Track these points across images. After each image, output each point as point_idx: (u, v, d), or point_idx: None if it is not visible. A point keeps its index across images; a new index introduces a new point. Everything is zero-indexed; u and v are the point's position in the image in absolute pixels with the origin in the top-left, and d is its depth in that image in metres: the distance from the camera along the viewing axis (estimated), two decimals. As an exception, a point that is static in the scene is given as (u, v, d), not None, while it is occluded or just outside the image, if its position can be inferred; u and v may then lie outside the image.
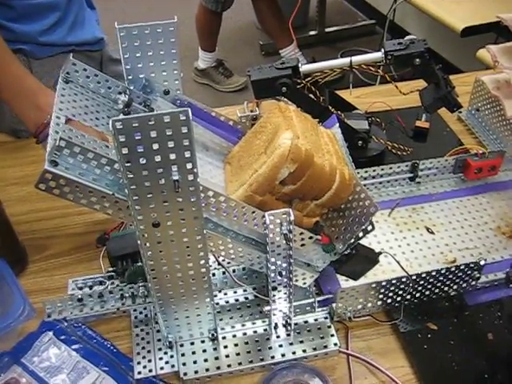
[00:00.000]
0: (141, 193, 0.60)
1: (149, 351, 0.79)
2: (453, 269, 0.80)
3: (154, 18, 0.76)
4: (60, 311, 0.82)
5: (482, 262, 0.81)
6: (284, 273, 0.73)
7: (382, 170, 0.97)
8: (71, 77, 0.70)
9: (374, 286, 0.79)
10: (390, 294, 0.81)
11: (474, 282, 0.84)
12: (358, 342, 0.81)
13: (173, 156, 0.58)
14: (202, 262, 0.69)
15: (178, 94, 0.78)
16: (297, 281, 0.77)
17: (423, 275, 0.80)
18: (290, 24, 2.05)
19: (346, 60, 0.94)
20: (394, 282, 0.79)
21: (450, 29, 1.86)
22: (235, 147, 0.81)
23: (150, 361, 0.78)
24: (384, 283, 0.79)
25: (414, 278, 0.80)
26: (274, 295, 0.76)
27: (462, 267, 0.81)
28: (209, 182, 0.77)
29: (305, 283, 0.78)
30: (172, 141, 0.56)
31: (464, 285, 0.84)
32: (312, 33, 3.16)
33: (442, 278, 0.81)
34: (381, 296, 0.81)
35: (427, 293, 0.83)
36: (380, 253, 0.78)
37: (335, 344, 0.79)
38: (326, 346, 0.79)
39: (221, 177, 0.80)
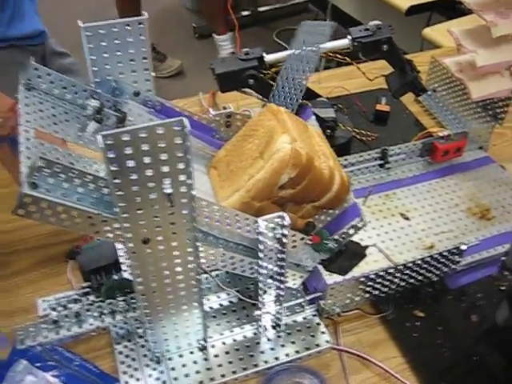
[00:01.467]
0: (131, 210, 0.55)
1: (136, 369, 0.75)
2: (436, 255, 0.81)
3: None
4: (34, 336, 0.76)
5: (464, 247, 0.82)
6: (276, 276, 0.71)
7: (354, 158, 0.96)
8: (33, 83, 0.64)
9: (361, 279, 0.78)
10: (378, 286, 0.81)
11: (454, 266, 0.85)
12: (348, 337, 0.80)
13: (166, 169, 0.53)
14: (192, 273, 0.65)
15: (149, 95, 0.72)
16: (287, 282, 0.75)
17: (409, 264, 0.80)
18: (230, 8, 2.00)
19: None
20: (381, 273, 0.79)
21: (395, 8, 1.87)
22: (220, 151, 0.77)
23: (138, 379, 0.74)
24: (372, 276, 0.78)
25: (400, 267, 0.80)
26: (263, 298, 0.74)
27: (444, 253, 0.81)
28: (199, 190, 0.72)
29: (295, 284, 0.76)
30: (165, 153, 0.52)
31: (445, 269, 0.84)
32: (244, 13, 3.10)
33: (425, 266, 0.82)
34: (368, 289, 0.80)
35: (411, 281, 0.83)
36: (367, 246, 0.77)
37: (327, 341, 0.78)
38: (318, 345, 0.78)
39: (208, 184, 0.76)
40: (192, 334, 0.74)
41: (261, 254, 0.66)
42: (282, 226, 0.64)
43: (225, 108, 0.79)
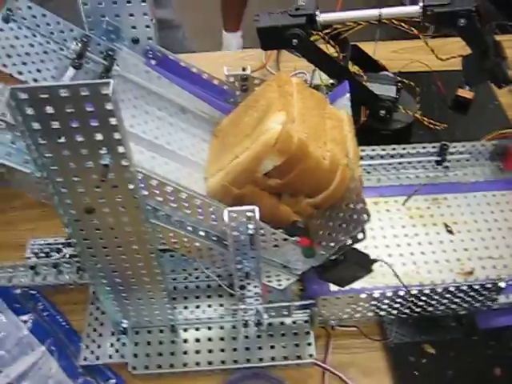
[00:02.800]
0: (65, 175, 0.48)
1: (100, 335, 0.71)
2: (464, 287, 0.66)
3: None
4: (10, 278, 0.73)
5: (503, 285, 0.67)
6: (253, 273, 0.61)
7: (404, 149, 0.81)
8: (14, 15, 0.57)
9: (363, 296, 0.66)
10: (384, 307, 0.68)
11: (489, 303, 0.70)
12: (340, 355, 0.70)
13: (99, 136, 0.45)
14: (151, 254, 0.58)
15: (150, 44, 0.64)
16: (270, 282, 0.65)
17: (426, 291, 0.66)
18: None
19: (375, 12, 0.77)
20: (388, 294, 0.66)
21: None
22: (225, 119, 0.67)
23: (99, 346, 0.70)
24: (377, 295, 0.66)
25: (415, 292, 0.67)
26: (242, 294, 0.65)
27: (475, 286, 0.67)
28: (184, 158, 0.64)
29: (280, 285, 0.66)
30: (95, 119, 0.44)
31: (477, 305, 0.70)
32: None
33: (449, 296, 0.68)
34: (372, 308, 0.68)
35: (430, 309, 0.70)
36: (375, 260, 0.64)
37: (310, 355, 0.68)
38: (299, 356, 0.68)
39: (204, 153, 0.67)
40: (162, 311, 0.68)
41: (230, 248, 0.57)
42: (250, 221, 0.54)
43: (244, 69, 0.68)
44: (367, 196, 0.80)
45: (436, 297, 0.67)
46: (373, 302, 0.67)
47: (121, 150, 0.46)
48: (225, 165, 0.59)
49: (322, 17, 0.78)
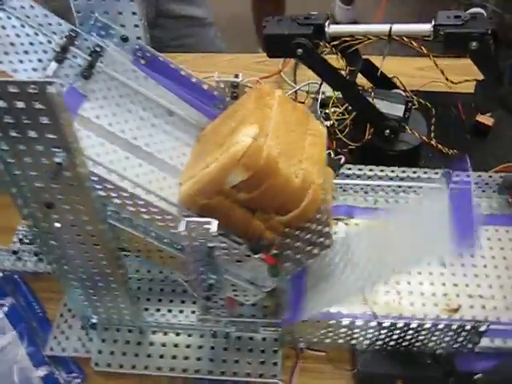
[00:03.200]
0: (22, 169, 0.48)
1: (70, 327, 0.71)
2: (440, 326, 0.63)
3: None
4: (-8, 260, 0.75)
5: (483, 328, 0.63)
6: (217, 285, 0.60)
7: (403, 172, 0.78)
8: (4, 4, 0.58)
9: (331, 322, 0.64)
10: (356, 336, 0.66)
11: (470, 346, 0.66)
12: (307, 378, 0.68)
13: (51, 135, 0.45)
14: (116, 255, 0.57)
15: (140, 43, 0.63)
16: (237, 296, 0.63)
17: (399, 325, 0.63)
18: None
19: (385, 27, 0.73)
20: (358, 323, 0.64)
21: None
22: (209, 125, 0.66)
23: (67, 338, 0.70)
24: (346, 322, 0.63)
25: (387, 324, 0.64)
26: (207, 304, 0.63)
27: (453, 327, 0.63)
28: (161, 161, 0.63)
29: (247, 300, 0.64)
30: (45, 116, 0.44)
31: (456, 346, 0.66)
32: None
33: (425, 333, 0.64)
34: (342, 335, 0.65)
35: (405, 344, 0.66)
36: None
37: (274, 375, 0.66)
38: (262, 375, 0.66)
39: (185, 158, 0.66)
40: (128, 312, 0.67)
41: (189, 258, 0.56)
42: (207, 235, 0.52)
43: (236, 76, 0.67)
44: (362, 216, 0.78)
45: (410, 332, 0.64)
46: (343, 330, 0.64)
47: (73, 149, 0.46)
48: (196, 173, 0.58)
49: (331, 28, 0.75)
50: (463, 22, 0.69)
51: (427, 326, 0.63)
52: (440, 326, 0.63)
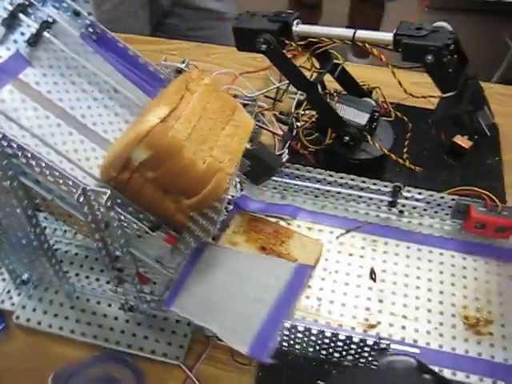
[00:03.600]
0: None
1: (4, 279, 0.75)
2: (342, 337, 0.62)
3: None
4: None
5: (383, 345, 0.61)
6: (124, 258, 0.62)
7: (352, 180, 0.76)
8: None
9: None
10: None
11: (375, 362, 0.64)
12: (211, 367, 0.68)
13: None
14: (30, 214, 0.60)
15: (91, 19, 0.66)
16: (146, 272, 0.65)
17: (299, 327, 0.63)
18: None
19: (349, 32, 0.73)
20: (260, 319, 0.63)
21: None
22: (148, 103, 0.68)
23: (4, 280, 0.74)
24: (248, 316, 0.64)
25: (288, 326, 0.63)
26: (121, 278, 0.65)
27: (355, 339, 0.62)
28: (93, 133, 0.66)
29: (156, 278, 0.66)
30: None
31: (362, 360, 0.64)
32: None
33: (327, 342, 0.63)
34: (246, 328, 0.66)
35: (310, 349, 0.66)
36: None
37: (177, 357, 0.67)
38: (165, 355, 0.68)
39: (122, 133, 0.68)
40: (52, 274, 0.70)
41: (90, 227, 0.58)
42: (105, 206, 0.54)
43: (184, 62, 0.68)
44: (305, 218, 0.78)
45: (313, 338, 0.63)
46: (246, 323, 0.65)
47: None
48: (113, 146, 0.60)
49: (299, 27, 0.76)
50: (423, 35, 0.67)
51: (327, 334, 0.62)
52: (341, 337, 0.62)
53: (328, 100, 0.80)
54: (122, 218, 0.57)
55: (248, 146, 0.66)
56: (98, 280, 0.74)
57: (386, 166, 0.84)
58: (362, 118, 0.79)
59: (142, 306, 0.69)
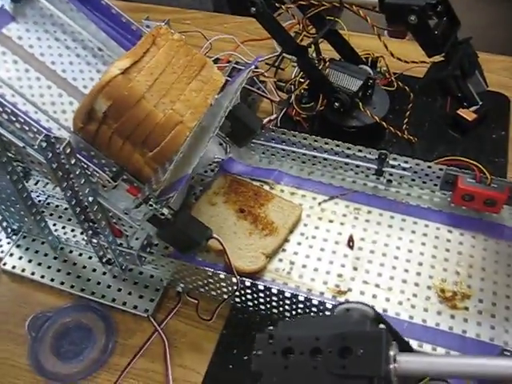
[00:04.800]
0: None
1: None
2: (274, 290, 0.61)
3: None
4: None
5: (314, 301, 0.60)
6: (93, 208, 0.63)
7: (337, 146, 0.74)
8: None
9: (195, 269, 0.64)
10: (224, 290, 0.66)
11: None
12: (180, 322, 0.69)
13: None
14: (6, 165, 0.63)
15: (75, -24, 0.68)
16: (116, 224, 0.66)
17: (273, 290, 0.62)
18: None
19: (337, -6, 0.71)
20: (220, 276, 0.63)
21: None
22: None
23: (-6, 235, 0.78)
24: (208, 272, 0.63)
25: (248, 284, 0.63)
26: (95, 229, 0.67)
27: (314, 302, 0.60)
28: (62, 80, 0.67)
29: (126, 231, 0.67)
30: None
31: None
32: None
33: (288, 303, 0.63)
34: (212, 286, 0.66)
35: (275, 310, 0.65)
36: (211, 235, 0.62)
37: (146, 310, 0.69)
38: (135, 307, 0.69)
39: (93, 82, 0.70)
40: (32, 224, 0.73)
41: (55, 175, 0.60)
42: (64, 152, 0.56)
43: (165, 22, 0.68)
44: (288, 184, 0.77)
45: (274, 298, 0.63)
46: (210, 280, 0.65)
47: None
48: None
49: (286, -11, 0.75)
50: (408, -6, 0.65)
51: (287, 294, 0.61)
52: (300, 299, 0.61)
53: (321, 66, 0.78)
54: (85, 166, 0.59)
55: (230, 107, 0.66)
56: (81, 234, 0.76)
57: (383, 136, 0.82)
58: (354, 85, 0.77)
59: (118, 260, 0.71)
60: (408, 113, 0.83)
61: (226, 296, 0.65)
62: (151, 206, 0.60)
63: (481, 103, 0.71)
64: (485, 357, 0.38)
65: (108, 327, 0.68)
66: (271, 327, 0.43)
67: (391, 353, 0.37)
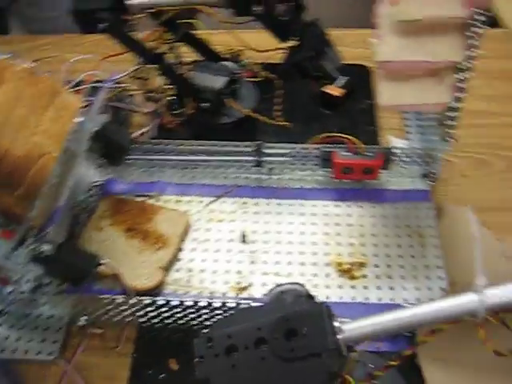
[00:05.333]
0: None
1: None
2: (175, 302, 0.60)
3: None
4: None
5: (217, 303, 0.60)
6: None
7: (214, 145, 0.75)
8: None
9: (92, 299, 0.62)
10: (126, 313, 0.64)
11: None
12: (88, 357, 0.66)
13: None
14: None
15: None
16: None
17: (173, 302, 0.61)
18: None
19: (179, -4, 0.71)
20: (117, 301, 0.62)
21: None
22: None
23: None
24: (105, 300, 0.62)
25: (134, 301, 0.61)
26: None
27: (216, 304, 0.60)
28: None
29: (11, 277, 0.64)
30: None
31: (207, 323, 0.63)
32: None
33: (193, 311, 0.62)
34: (112, 313, 0.64)
35: (181, 322, 0.64)
36: (98, 263, 0.60)
37: (50, 353, 0.65)
38: (39, 352, 0.66)
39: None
40: None
41: None
42: None
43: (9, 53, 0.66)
44: (173, 193, 0.76)
45: (164, 309, 0.62)
46: (110, 307, 0.63)
47: None
48: None
49: (130, 0, 0.73)
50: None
51: (203, 304, 0.61)
52: (216, 305, 0.60)
53: (183, 70, 0.78)
54: None
55: (96, 128, 0.64)
56: (-32, 289, 0.72)
57: (258, 127, 0.83)
58: (217, 83, 0.77)
59: (11, 309, 0.67)
60: (278, 100, 0.85)
61: (128, 319, 0.64)
62: (28, 245, 0.57)
63: (340, 77, 0.74)
64: (425, 303, 0.40)
65: (13, 382, 0.65)
66: (205, 330, 0.41)
67: (336, 324, 0.38)
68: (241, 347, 0.39)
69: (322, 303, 0.39)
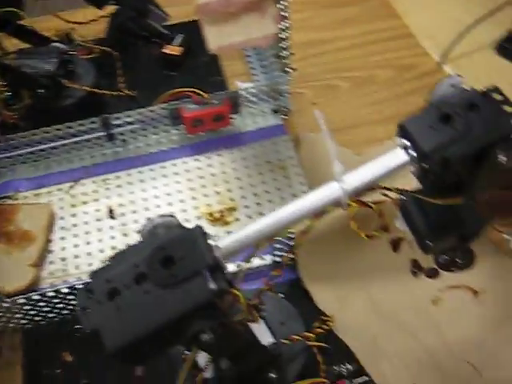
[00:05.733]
0: None
1: None
2: (51, 293, 0.59)
3: None
4: None
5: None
6: None
7: (60, 130, 0.72)
8: None
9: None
10: (3, 320, 0.61)
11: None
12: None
13: None
14: None
15: None
16: None
17: (49, 293, 0.58)
18: None
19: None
20: None
21: None
22: None
23: None
24: None
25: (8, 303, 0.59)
26: None
27: (65, 290, 0.59)
28: None
29: None
30: None
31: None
32: None
33: (57, 301, 0.60)
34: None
35: (51, 315, 0.62)
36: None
37: None
38: None
39: None
40: None
41: None
42: None
43: None
44: (29, 187, 0.73)
45: (47, 303, 0.60)
46: None
47: None
48: None
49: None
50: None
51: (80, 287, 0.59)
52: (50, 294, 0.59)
53: (8, 61, 0.74)
54: None
55: None
56: None
57: (105, 103, 0.80)
58: (48, 66, 0.74)
59: None
60: (120, 71, 0.83)
61: (8, 325, 0.61)
62: None
63: (177, 36, 0.72)
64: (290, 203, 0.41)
65: None
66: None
67: (210, 241, 0.37)
68: (122, 288, 0.38)
69: (196, 225, 0.39)
